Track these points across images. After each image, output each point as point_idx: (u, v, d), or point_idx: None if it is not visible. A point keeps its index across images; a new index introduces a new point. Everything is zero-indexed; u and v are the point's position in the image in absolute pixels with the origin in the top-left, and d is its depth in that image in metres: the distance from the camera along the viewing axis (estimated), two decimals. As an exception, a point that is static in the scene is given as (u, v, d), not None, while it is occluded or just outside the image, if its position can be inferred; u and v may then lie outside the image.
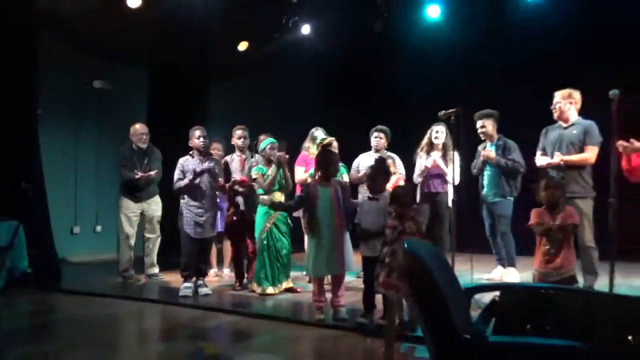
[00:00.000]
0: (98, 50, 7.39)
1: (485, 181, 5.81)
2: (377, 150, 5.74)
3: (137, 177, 5.81)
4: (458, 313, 1.51)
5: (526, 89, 7.26)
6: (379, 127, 5.81)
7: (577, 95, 4.99)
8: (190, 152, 5.40)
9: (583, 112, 5.08)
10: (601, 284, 4.77)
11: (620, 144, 3.89)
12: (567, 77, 5.71)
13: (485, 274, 5.98)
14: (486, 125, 5.76)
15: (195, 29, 7.45)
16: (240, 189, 5.50)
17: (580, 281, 4.92)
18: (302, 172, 5.70)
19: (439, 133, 5.72)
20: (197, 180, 5.24)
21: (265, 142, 5.45)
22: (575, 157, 4.83)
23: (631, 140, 3.86)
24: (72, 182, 7.50)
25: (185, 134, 5.50)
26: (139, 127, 6.08)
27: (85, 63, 7.49)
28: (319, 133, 5.82)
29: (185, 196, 5.31)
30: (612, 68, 6.77)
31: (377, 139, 5.75)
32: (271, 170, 5.29)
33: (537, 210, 3.89)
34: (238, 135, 5.79)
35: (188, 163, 5.33)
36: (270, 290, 5.24)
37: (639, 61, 6.68)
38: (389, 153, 5.77)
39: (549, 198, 3.85)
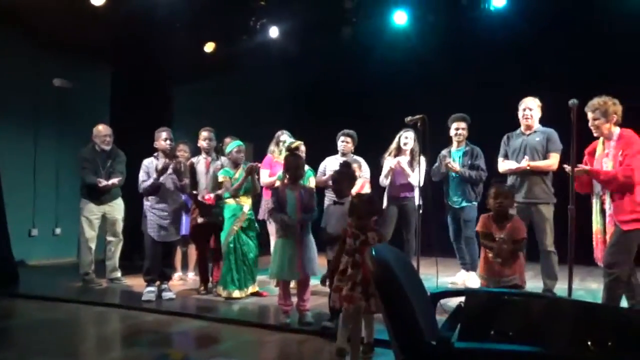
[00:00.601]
0: (58, 48, 7.20)
1: (451, 187, 5.90)
2: (343, 154, 5.77)
3: (100, 185, 5.69)
4: (424, 319, 1.53)
5: (490, 95, 7.43)
6: (346, 131, 5.84)
7: (540, 103, 5.15)
8: (155, 154, 5.31)
9: (543, 120, 5.24)
10: (560, 288, 4.92)
11: (567, 167, 4.07)
12: (529, 84, 5.89)
13: (450, 277, 6.10)
14: (464, 128, 5.86)
15: (160, 27, 7.33)
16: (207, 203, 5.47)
17: (540, 285, 5.08)
18: (267, 175, 5.68)
19: (407, 139, 5.78)
20: (162, 179, 5.15)
21: (232, 145, 5.42)
22: (541, 163, 4.97)
23: (580, 165, 4.04)
24: (30, 183, 7.28)
25: (150, 135, 5.41)
26: (102, 129, 5.94)
27: (44, 61, 7.28)
28: (284, 137, 5.81)
29: (150, 198, 5.22)
30: (571, 77, 7.01)
31: (344, 142, 5.78)
32: (239, 174, 5.26)
33: (485, 217, 3.92)
34: (204, 137, 5.74)
35: (153, 165, 5.24)
36: (236, 294, 5.21)
37: (598, 70, 6.92)
38: (355, 157, 5.81)
39: (498, 207, 3.84)
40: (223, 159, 5.65)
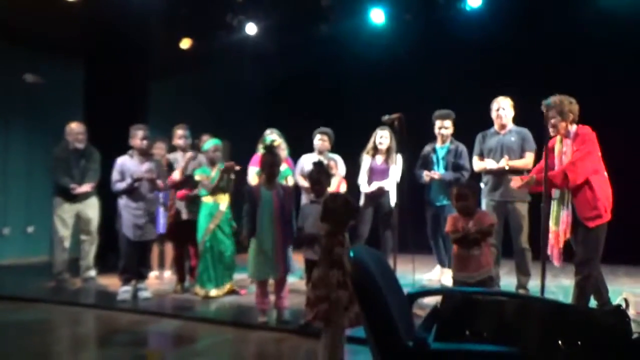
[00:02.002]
0: (29, 43, 7.04)
1: (433, 187, 5.92)
2: (320, 152, 5.76)
3: (73, 192, 5.60)
4: (401, 319, 1.55)
5: (466, 94, 7.51)
6: (323, 129, 5.84)
7: (512, 102, 5.22)
8: (129, 152, 5.24)
9: (517, 120, 5.31)
10: (533, 284, 5.01)
11: (515, 184, 4.17)
12: (503, 84, 5.95)
13: (426, 274, 6.16)
14: (449, 127, 5.87)
15: (135, 23, 7.23)
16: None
17: (514, 281, 5.16)
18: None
19: (382, 138, 5.80)
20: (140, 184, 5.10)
21: (209, 143, 5.39)
22: (518, 163, 5.03)
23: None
24: (0, 181, 7.12)
25: (124, 132, 5.32)
26: (75, 127, 5.84)
27: (14, 56, 7.11)
28: (274, 136, 5.77)
29: (124, 197, 5.15)
30: (545, 77, 7.11)
31: (321, 141, 5.78)
32: (215, 173, 5.24)
33: (453, 216, 3.94)
34: (179, 135, 5.69)
35: (127, 164, 5.16)
36: (214, 292, 5.19)
37: (570, 70, 7.05)
38: (331, 155, 5.82)
39: (461, 209, 3.85)
40: (200, 156, 5.60)
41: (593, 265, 3.95)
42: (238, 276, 5.55)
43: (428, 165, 5.92)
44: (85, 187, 5.71)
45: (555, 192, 4.14)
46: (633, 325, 3.41)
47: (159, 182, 5.25)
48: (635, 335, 1.53)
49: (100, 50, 7.37)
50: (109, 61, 7.33)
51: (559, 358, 1.45)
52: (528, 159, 5.06)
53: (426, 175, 5.73)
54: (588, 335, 1.49)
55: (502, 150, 5.13)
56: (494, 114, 5.23)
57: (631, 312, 3.50)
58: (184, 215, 5.51)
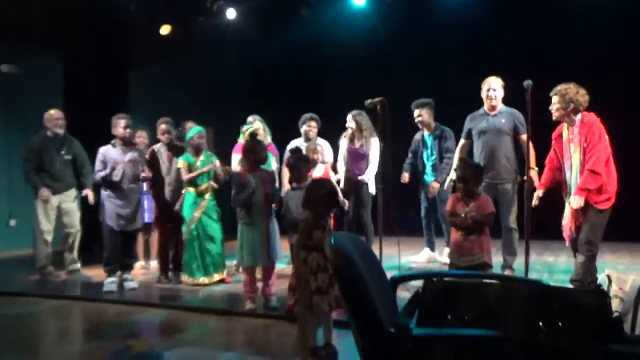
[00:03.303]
0: (4, 32, 6.87)
1: (428, 168, 5.99)
2: (308, 139, 5.72)
3: (42, 197, 5.54)
4: (384, 305, 1.55)
5: (450, 76, 7.50)
6: (310, 115, 5.78)
7: (503, 82, 5.11)
8: (112, 142, 5.16)
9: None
10: (519, 262, 5.05)
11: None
12: (487, 65, 5.95)
13: (413, 256, 6.19)
14: (422, 115, 5.88)
15: (114, 10, 7.08)
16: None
17: (500, 260, 5.20)
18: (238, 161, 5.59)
19: (350, 122, 5.73)
20: (120, 173, 5.03)
21: (193, 131, 5.32)
22: (531, 160, 4.58)
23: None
24: (-20, 174, 7.01)
25: (105, 121, 5.25)
26: (53, 112, 5.73)
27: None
28: (255, 123, 5.71)
29: (107, 187, 5.09)
30: (530, 57, 7.11)
31: (309, 127, 5.73)
32: (200, 162, 5.19)
33: (453, 197, 3.94)
34: (162, 131, 5.59)
35: (110, 153, 5.10)
36: (202, 280, 5.17)
37: (551, 52, 7.06)
38: (319, 140, 5.79)
39: (462, 189, 3.83)
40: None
41: (598, 243, 4.13)
42: (227, 262, 5.51)
43: (417, 154, 6.05)
44: (87, 192, 5.65)
45: (567, 177, 4.20)
46: (616, 301, 3.50)
47: (144, 173, 5.19)
48: (615, 314, 1.55)
49: (79, 39, 7.22)
50: (88, 50, 7.19)
51: (540, 339, 1.46)
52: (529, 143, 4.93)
53: (430, 194, 5.83)
54: (568, 316, 1.51)
55: (491, 131, 5.05)
56: (484, 94, 5.13)
57: (614, 289, 3.53)
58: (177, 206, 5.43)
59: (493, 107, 5.12)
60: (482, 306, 1.63)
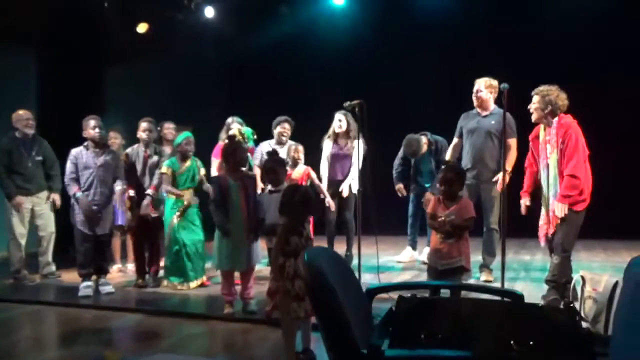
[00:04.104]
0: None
1: (424, 173, 6.06)
2: (280, 142, 5.69)
3: (15, 205, 5.46)
4: (359, 321, 1.54)
5: (431, 76, 7.53)
6: (285, 117, 5.75)
7: (495, 83, 5.08)
8: (85, 144, 5.06)
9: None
10: (498, 261, 5.09)
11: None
12: (468, 66, 5.98)
13: (396, 255, 6.23)
14: (424, 142, 5.95)
15: (87, 6, 6.95)
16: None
17: (479, 259, 5.24)
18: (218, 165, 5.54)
19: (341, 122, 5.77)
20: (92, 173, 4.95)
21: (182, 136, 5.23)
22: (508, 165, 4.77)
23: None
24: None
25: (79, 123, 5.14)
26: (22, 113, 5.61)
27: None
28: (235, 125, 5.66)
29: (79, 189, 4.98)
30: (512, 56, 7.16)
31: (283, 129, 5.70)
32: (185, 168, 5.15)
33: (435, 198, 3.95)
34: (143, 128, 5.46)
35: (82, 156, 4.99)
36: (183, 285, 5.12)
37: (528, 55, 7.13)
38: (291, 142, 5.78)
39: (444, 191, 3.83)
40: (165, 149, 5.47)
41: (573, 244, 4.20)
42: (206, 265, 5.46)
43: (409, 159, 6.09)
44: (55, 197, 5.59)
45: (544, 178, 4.24)
46: (589, 302, 3.56)
47: (119, 183, 5.12)
48: (585, 330, 1.56)
49: (52, 36, 7.07)
50: (62, 48, 7.05)
51: (512, 358, 1.46)
52: (512, 147, 4.95)
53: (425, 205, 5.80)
54: (539, 334, 1.52)
55: (480, 132, 5.08)
56: (473, 95, 5.17)
57: (587, 289, 3.59)
58: (151, 213, 5.35)
59: (484, 108, 5.14)
60: (455, 323, 1.63)
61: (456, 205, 3.73)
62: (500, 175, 4.75)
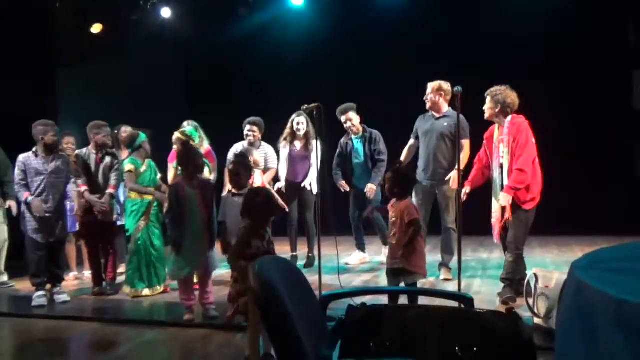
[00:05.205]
0: None
1: (357, 171, 6.02)
2: (251, 144, 5.66)
3: None
4: (312, 330, 1.55)
5: (389, 78, 7.60)
6: (252, 119, 5.71)
7: (446, 87, 5.16)
8: (34, 149, 4.88)
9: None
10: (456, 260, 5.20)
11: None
12: (425, 67, 6.06)
13: (346, 257, 6.26)
14: (352, 119, 5.91)
15: (38, 5, 6.73)
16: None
17: (438, 258, 5.34)
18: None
19: (300, 124, 5.77)
20: (44, 180, 4.80)
21: (143, 136, 5.20)
22: (462, 161, 4.82)
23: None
24: None
25: (29, 128, 4.97)
26: None
27: None
28: (189, 129, 5.57)
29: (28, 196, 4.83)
30: (468, 57, 7.29)
31: (250, 131, 5.67)
32: (145, 167, 5.09)
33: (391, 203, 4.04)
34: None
35: (31, 162, 4.81)
36: (146, 292, 5.03)
37: (481, 59, 7.29)
38: (264, 144, 5.75)
39: (389, 191, 3.85)
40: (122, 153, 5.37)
41: (524, 242, 4.33)
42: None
43: (345, 157, 6.03)
44: (11, 204, 5.44)
45: (496, 177, 4.34)
46: (542, 298, 3.67)
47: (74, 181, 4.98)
48: (527, 335, 1.61)
49: (0, 36, 6.81)
50: (12, 49, 6.79)
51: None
52: (466, 148, 5.03)
53: (368, 197, 5.76)
54: (483, 341, 1.56)
55: (433, 134, 5.16)
56: (424, 98, 5.24)
57: (540, 286, 3.70)
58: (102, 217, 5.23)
59: (436, 110, 5.22)
60: (403, 331, 1.65)
61: (397, 208, 3.76)
62: (452, 174, 4.88)
